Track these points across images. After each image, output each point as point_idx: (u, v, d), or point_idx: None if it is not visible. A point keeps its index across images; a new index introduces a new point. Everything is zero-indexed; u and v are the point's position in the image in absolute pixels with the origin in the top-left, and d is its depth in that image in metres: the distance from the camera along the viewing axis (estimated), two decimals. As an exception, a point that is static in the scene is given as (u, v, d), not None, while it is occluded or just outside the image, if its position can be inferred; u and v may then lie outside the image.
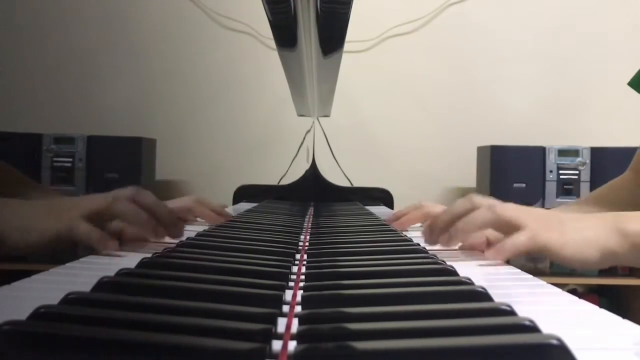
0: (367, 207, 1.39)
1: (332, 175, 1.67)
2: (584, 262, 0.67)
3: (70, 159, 2.26)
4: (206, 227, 0.86)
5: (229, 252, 0.61)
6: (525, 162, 2.30)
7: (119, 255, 0.64)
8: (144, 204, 0.69)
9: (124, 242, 0.74)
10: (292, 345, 0.33)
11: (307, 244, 0.75)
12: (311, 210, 1.26)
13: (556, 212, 0.73)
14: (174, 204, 0.92)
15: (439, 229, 0.71)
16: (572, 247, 0.66)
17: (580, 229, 0.67)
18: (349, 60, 2.28)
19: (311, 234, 0.85)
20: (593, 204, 1.00)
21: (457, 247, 0.74)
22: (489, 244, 0.75)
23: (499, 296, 0.42)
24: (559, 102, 2.66)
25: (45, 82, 2.60)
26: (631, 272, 2.38)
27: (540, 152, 2.32)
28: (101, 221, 0.69)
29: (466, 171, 2.53)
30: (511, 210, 0.68)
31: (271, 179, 1.74)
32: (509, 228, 0.67)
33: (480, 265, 0.65)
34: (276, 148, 2.45)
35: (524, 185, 2.29)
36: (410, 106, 2.67)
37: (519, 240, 0.65)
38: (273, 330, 0.34)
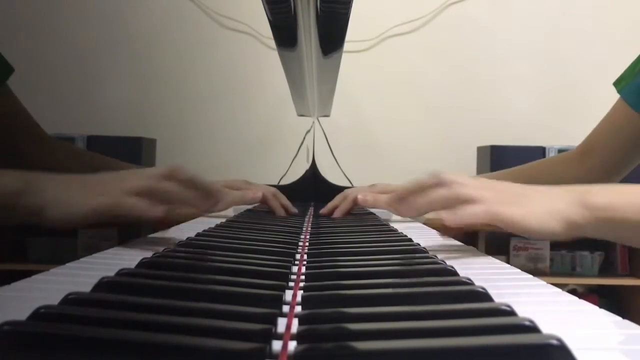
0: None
1: (332, 175, 1.67)
2: (547, 234, 0.67)
3: (70, 159, 2.26)
4: (206, 227, 0.86)
5: (229, 252, 0.61)
6: (525, 162, 2.30)
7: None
8: (182, 180, 0.70)
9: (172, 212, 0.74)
10: (292, 345, 0.33)
11: (307, 244, 0.75)
12: (311, 210, 1.26)
13: (519, 185, 0.74)
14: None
15: (399, 197, 0.73)
16: (534, 219, 0.66)
17: (544, 201, 0.68)
18: (349, 60, 2.28)
19: (311, 234, 0.85)
20: (526, 174, 1.07)
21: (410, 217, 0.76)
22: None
23: (499, 296, 0.42)
24: (559, 102, 2.66)
25: (45, 82, 2.60)
26: (631, 272, 2.38)
27: (540, 152, 2.32)
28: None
29: (466, 171, 2.53)
30: (471, 187, 0.69)
31: (271, 179, 1.74)
32: (468, 204, 0.68)
33: (481, 265, 0.65)
34: (276, 148, 2.45)
35: (524, 185, 2.29)
36: (410, 106, 2.67)
37: (475, 209, 0.66)
38: (273, 330, 0.34)
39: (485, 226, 0.67)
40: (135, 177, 0.70)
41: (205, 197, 0.72)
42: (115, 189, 0.68)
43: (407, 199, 0.72)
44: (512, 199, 0.68)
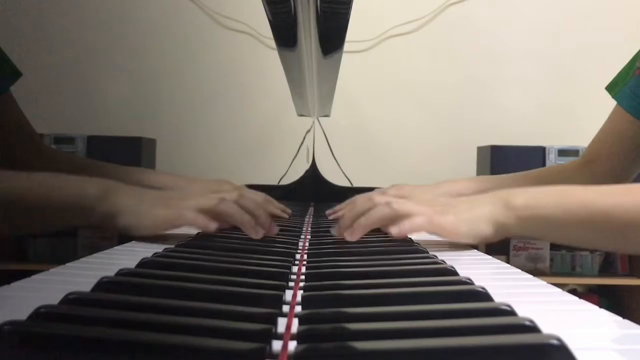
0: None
1: (332, 175, 1.67)
2: (479, 237, 0.74)
3: (70, 159, 2.26)
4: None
5: (229, 252, 0.61)
6: (525, 162, 2.30)
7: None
8: (245, 206, 0.76)
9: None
10: (292, 345, 0.33)
11: (307, 244, 0.75)
12: (311, 210, 1.26)
13: (446, 198, 0.84)
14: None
15: (344, 226, 0.76)
16: (466, 225, 0.73)
17: (472, 207, 0.75)
18: (349, 60, 2.28)
19: (311, 234, 0.85)
20: (530, 181, 1.09)
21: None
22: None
23: (499, 296, 0.42)
24: (559, 102, 2.66)
25: (45, 82, 2.60)
26: (631, 272, 2.38)
27: (540, 152, 2.32)
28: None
29: (466, 171, 2.53)
30: (408, 205, 0.75)
31: (271, 179, 1.74)
32: (409, 218, 0.75)
33: (481, 265, 0.65)
34: (276, 148, 2.45)
35: (524, 185, 2.29)
36: (410, 106, 2.67)
37: (417, 221, 0.73)
38: (273, 330, 0.34)
39: (420, 230, 0.74)
40: (202, 198, 0.77)
41: (259, 225, 0.75)
42: (181, 204, 0.75)
43: (349, 225, 0.76)
44: (444, 209, 0.75)
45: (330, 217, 1.01)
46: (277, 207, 1.03)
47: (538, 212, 0.72)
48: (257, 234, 0.74)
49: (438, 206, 0.76)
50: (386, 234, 0.76)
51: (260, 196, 1.00)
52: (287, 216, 1.03)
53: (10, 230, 0.85)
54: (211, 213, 0.75)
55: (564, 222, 0.71)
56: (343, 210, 1.01)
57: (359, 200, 0.85)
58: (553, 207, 0.72)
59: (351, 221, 0.75)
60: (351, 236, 0.73)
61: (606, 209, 0.69)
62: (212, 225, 0.73)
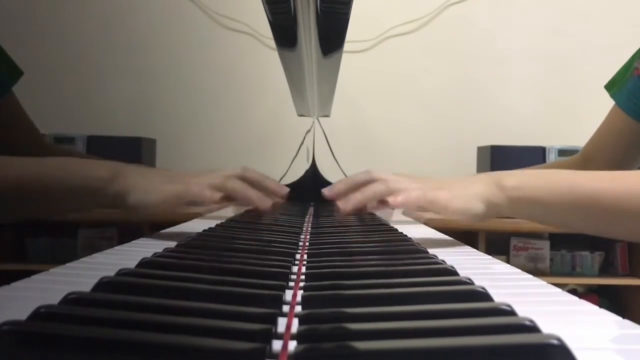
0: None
1: (332, 175, 1.66)
2: (470, 214, 0.76)
3: (70, 159, 2.26)
4: (206, 227, 0.86)
5: (229, 252, 0.61)
6: (525, 162, 2.29)
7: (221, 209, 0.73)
8: (250, 178, 0.79)
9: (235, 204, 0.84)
10: (292, 345, 0.33)
11: (307, 244, 0.75)
12: (311, 210, 1.26)
13: (445, 178, 0.85)
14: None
15: (338, 190, 0.80)
16: (459, 201, 0.75)
17: (466, 186, 0.77)
18: (349, 60, 2.28)
19: (311, 234, 0.85)
20: None
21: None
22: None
23: (499, 296, 0.42)
24: (559, 102, 2.66)
25: (45, 82, 2.60)
26: (631, 272, 2.38)
27: (540, 152, 2.32)
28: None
29: (466, 171, 2.53)
30: (402, 181, 0.77)
31: (271, 179, 1.74)
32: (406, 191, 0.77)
33: (481, 265, 0.65)
34: (276, 148, 2.45)
35: (524, 185, 2.29)
36: (410, 106, 2.67)
37: (412, 193, 0.75)
38: (273, 330, 0.34)
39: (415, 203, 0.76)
40: (209, 176, 0.79)
41: (266, 197, 0.79)
42: (188, 180, 0.78)
43: (346, 195, 0.79)
44: (438, 186, 0.77)
45: (328, 195, 1.00)
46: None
47: (527, 193, 0.74)
48: (266, 204, 0.76)
49: (433, 182, 0.78)
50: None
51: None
52: (284, 194, 0.94)
53: (23, 216, 0.87)
54: (219, 189, 0.77)
55: (552, 204, 0.74)
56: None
57: (358, 173, 0.87)
58: (542, 189, 0.74)
59: (346, 187, 0.78)
60: (344, 205, 0.76)
61: (593, 192, 0.72)
62: (217, 195, 0.75)
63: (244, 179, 0.79)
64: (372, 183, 0.78)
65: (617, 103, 1.09)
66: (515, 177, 0.76)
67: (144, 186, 0.77)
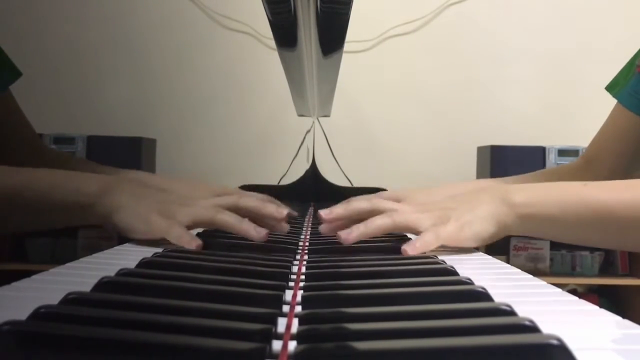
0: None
1: (332, 175, 1.67)
2: (482, 239, 0.72)
3: (70, 159, 2.26)
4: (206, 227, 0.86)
5: (229, 252, 0.61)
6: (525, 162, 2.30)
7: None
8: (247, 208, 0.74)
9: None
10: (292, 345, 0.33)
11: (307, 244, 0.75)
12: (311, 210, 1.26)
13: (448, 196, 0.80)
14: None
15: (338, 215, 0.74)
16: (469, 229, 0.71)
17: (473, 207, 0.73)
18: (349, 60, 2.28)
19: (311, 234, 0.85)
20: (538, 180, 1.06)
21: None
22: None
23: (499, 296, 0.42)
24: (559, 102, 2.66)
25: (45, 82, 2.60)
26: (631, 272, 2.38)
27: (540, 152, 2.32)
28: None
29: (466, 171, 2.53)
30: (407, 215, 0.72)
31: (271, 179, 1.74)
32: (408, 230, 0.73)
33: (481, 265, 0.65)
34: (276, 148, 2.45)
35: (524, 185, 2.29)
36: (410, 106, 2.67)
37: (427, 239, 0.68)
38: (273, 330, 0.34)
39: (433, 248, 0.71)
40: (200, 208, 0.73)
41: (261, 228, 0.72)
42: (178, 214, 0.72)
43: (346, 226, 0.72)
44: (443, 215, 0.72)
45: (327, 219, 0.83)
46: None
47: (538, 210, 0.71)
48: (260, 235, 0.70)
49: (436, 210, 0.73)
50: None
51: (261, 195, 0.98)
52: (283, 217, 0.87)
53: (9, 229, 0.84)
54: (208, 224, 0.74)
55: (565, 220, 0.71)
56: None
57: (359, 199, 0.83)
58: (553, 205, 0.71)
59: (346, 213, 0.74)
60: (346, 236, 0.69)
61: (607, 205, 0.69)
62: (194, 243, 0.68)
63: (237, 209, 0.73)
64: (375, 214, 0.72)
65: (621, 101, 1.09)
66: (523, 192, 0.73)
67: (133, 208, 0.72)
